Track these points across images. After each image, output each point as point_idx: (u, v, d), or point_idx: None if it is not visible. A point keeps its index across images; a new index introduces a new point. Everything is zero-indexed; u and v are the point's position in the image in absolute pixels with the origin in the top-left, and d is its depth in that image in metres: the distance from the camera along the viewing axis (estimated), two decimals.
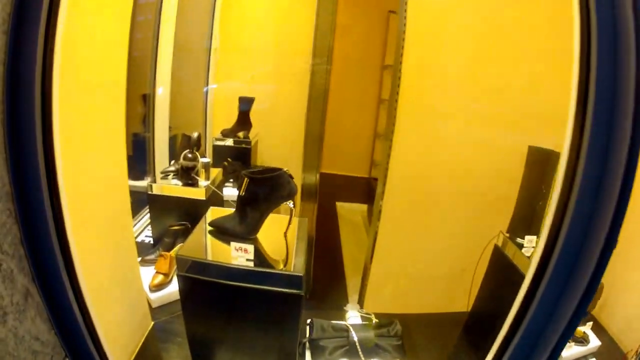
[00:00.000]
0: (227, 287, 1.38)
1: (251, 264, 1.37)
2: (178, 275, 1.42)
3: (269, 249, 1.51)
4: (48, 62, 1.00)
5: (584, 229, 0.99)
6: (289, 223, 1.57)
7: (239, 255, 1.37)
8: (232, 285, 1.38)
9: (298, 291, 1.36)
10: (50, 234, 1.07)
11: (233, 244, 1.38)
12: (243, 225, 1.48)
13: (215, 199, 2.44)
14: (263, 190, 1.44)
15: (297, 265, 1.42)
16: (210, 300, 1.47)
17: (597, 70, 0.94)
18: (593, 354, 1.97)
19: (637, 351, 1.92)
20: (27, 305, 1.07)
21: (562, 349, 1.09)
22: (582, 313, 1.03)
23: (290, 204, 1.51)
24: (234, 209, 1.54)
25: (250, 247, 1.37)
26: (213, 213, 1.73)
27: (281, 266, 1.42)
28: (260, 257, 1.43)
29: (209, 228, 1.59)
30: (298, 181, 2.58)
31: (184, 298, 1.47)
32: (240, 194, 1.43)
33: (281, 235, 1.59)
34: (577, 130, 1.00)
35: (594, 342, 1.98)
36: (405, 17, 2.06)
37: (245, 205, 1.47)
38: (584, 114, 0.97)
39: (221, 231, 1.54)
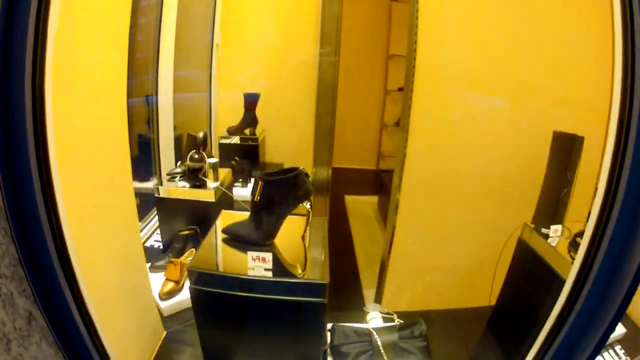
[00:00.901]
0: (244, 298, 1.31)
1: (269, 273, 1.29)
2: (191, 288, 1.34)
3: (286, 254, 1.43)
4: (39, 64, 0.92)
5: (628, 229, 0.94)
6: (307, 225, 1.48)
7: (256, 265, 1.29)
8: (250, 297, 1.29)
9: (321, 300, 1.28)
10: (49, 252, 0.99)
11: (250, 253, 1.30)
12: (259, 231, 1.40)
13: (225, 200, 2.37)
14: (279, 193, 1.35)
15: (317, 270, 1.35)
16: (226, 312, 1.40)
17: None
18: (618, 341, 1.93)
19: None
20: (31, 329, 1.01)
21: (601, 349, 1.05)
22: (622, 314, 0.98)
23: (307, 204, 1.42)
24: (249, 214, 1.45)
25: (269, 256, 1.28)
26: (224, 217, 1.66)
27: (299, 271, 1.34)
28: (278, 264, 1.35)
29: (222, 236, 1.51)
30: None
31: (198, 311, 1.40)
32: (255, 199, 1.35)
33: (299, 239, 1.51)
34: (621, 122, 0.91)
35: (619, 329, 1.93)
36: (417, 1, 1.98)
37: (260, 210, 1.39)
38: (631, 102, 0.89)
39: (236, 238, 1.46)
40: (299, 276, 1.33)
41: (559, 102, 2.07)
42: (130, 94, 2.35)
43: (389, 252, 2.30)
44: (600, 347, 1.02)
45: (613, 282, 0.98)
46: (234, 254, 1.45)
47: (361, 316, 1.97)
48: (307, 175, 1.39)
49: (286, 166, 2.97)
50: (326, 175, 2.54)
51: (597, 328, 1.02)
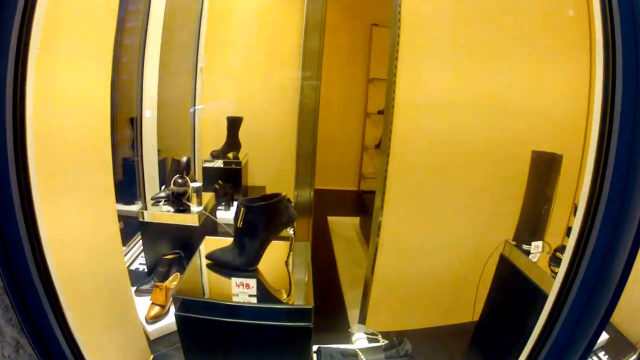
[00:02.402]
0: (230, 324, 1.32)
1: (254, 299, 1.31)
2: (176, 315, 1.34)
3: (271, 279, 1.44)
4: (20, 85, 0.93)
5: (610, 242, 0.97)
6: (290, 250, 1.51)
7: (240, 291, 1.31)
8: (236, 322, 1.31)
9: (307, 324, 1.29)
10: (33, 279, 1.00)
11: (234, 279, 1.31)
12: (243, 257, 1.41)
13: (209, 224, 2.38)
14: (261, 219, 1.37)
15: (302, 295, 1.36)
16: (212, 338, 1.40)
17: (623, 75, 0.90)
18: (602, 347, 1.95)
19: None
20: (19, 357, 1.01)
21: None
22: (605, 324, 1.01)
23: (290, 230, 1.45)
24: (232, 240, 1.47)
25: (253, 282, 1.30)
26: (208, 243, 1.67)
27: (284, 296, 1.36)
28: (263, 289, 1.37)
29: (206, 261, 1.52)
30: (291, 199, 2.55)
31: (184, 337, 1.39)
32: (238, 225, 1.37)
33: (282, 264, 1.53)
34: (602, 139, 0.95)
35: (602, 336, 1.95)
36: (399, 27, 2.03)
37: (243, 236, 1.40)
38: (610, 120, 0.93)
39: (220, 264, 1.47)
40: (284, 301, 1.34)
41: (537, 122, 2.13)
42: (114, 116, 2.37)
43: (372, 273, 2.32)
44: (584, 358, 1.05)
45: (595, 295, 1.00)
46: (219, 278, 1.45)
47: (346, 337, 1.98)
48: (289, 201, 1.41)
49: (269, 189, 3.00)
50: (308, 197, 2.56)
51: (581, 339, 1.05)
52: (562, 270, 1.06)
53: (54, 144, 1.20)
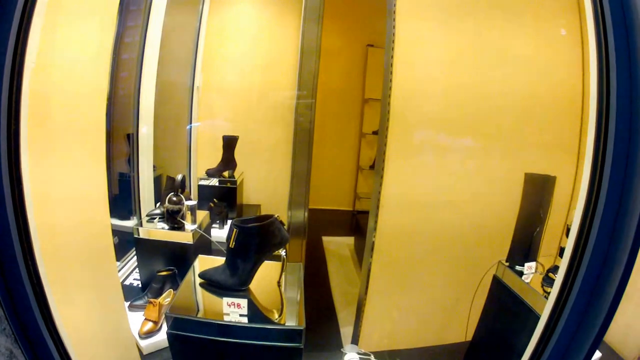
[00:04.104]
0: (221, 343, 1.33)
1: (245, 319, 1.32)
2: (168, 333, 1.35)
3: (262, 299, 1.45)
4: (15, 101, 0.96)
5: (602, 263, 0.98)
6: (282, 271, 1.52)
7: (231, 310, 1.32)
8: (227, 341, 1.32)
9: (297, 345, 1.30)
10: (27, 290, 1.02)
11: (225, 299, 1.33)
12: (235, 277, 1.43)
13: (203, 241, 2.39)
14: (254, 241, 1.39)
15: (293, 315, 1.37)
16: (203, 356, 1.40)
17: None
18: None
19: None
20: None
21: None
22: (597, 345, 1.02)
23: (282, 252, 1.46)
24: (224, 260, 1.48)
25: (244, 302, 1.31)
26: (201, 262, 1.68)
27: (276, 316, 1.37)
28: (254, 309, 1.38)
29: (199, 280, 1.53)
30: (284, 219, 2.56)
31: (175, 354, 1.40)
32: (230, 245, 1.38)
33: (275, 284, 1.54)
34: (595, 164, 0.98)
35: (595, 355, 1.94)
36: (392, 49, 2.06)
37: (235, 256, 1.42)
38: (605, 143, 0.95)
39: (212, 283, 1.49)
40: (275, 321, 1.35)
41: (530, 144, 2.15)
42: (111, 132, 2.39)
43: (366, 292, 2.32)
44: None
45: (588, 315, 1.01)
46: (212, 297, 1.46)
47: (339, 357, 1.99)
48: (281, 222, 1.42)
49: (264, 208, 3.01)
50: (302, 217, 2.57)
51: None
52: (554, 291, 1.07)
53: (47, 159, 1.22)
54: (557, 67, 2.17)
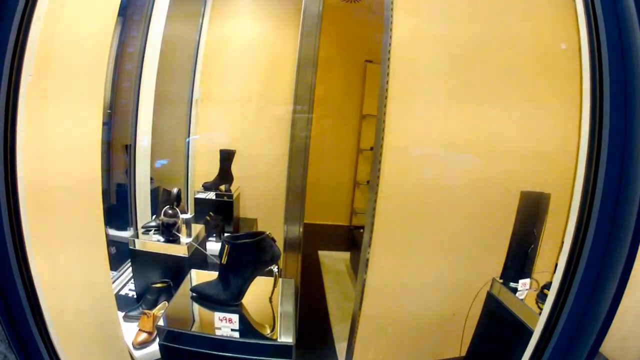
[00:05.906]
0: (211, 356, 1.33)
1: (236, 334, 1.32)
2: (160, 345, 1.36)
3: (255, 314, 1.46)
4: (11, 114, 0.97)
5: (597, 277, 0.98)
6: (274, 287, 1.53)
7: (223, 325, 1.32)
8: (217, 355, 1.32)
9: None
10: (21, 298, 1.02)
11: (217, 314, 1.33)
12: (227, 292, 1.44)
13: (198, 255, 2.39)
14: (246, 257, 1.40)
15: (285, 332, 1.38)
16: None
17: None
18: None
19: None
20: None
21: None
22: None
23: (274, 268, 1.47)
24: (217, 274, 1.49)
25: (235, 317, 1.32)
26: (195, 276, 1.68)
27: (268, 331, 1.37)
28: (246, 324, 1.38)
29: (192, 294, 1.54)
30: (280, 234, 2.56)
31: None
32: (222, 261, 1.39)
33: (267, 300, 1.54)
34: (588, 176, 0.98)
35: None
36: (388, 66, 2.08)
37: (228, 272, 1.43)
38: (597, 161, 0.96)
39: (204, 298, 1.49)
40: (267, 336, 1.36)
41: (526, 161, 2.15)
42: (108, 142, 2.40)
43: (360, 308, 2.32)
44: None
45: (582, 330, 1.01)
46: (203, 312, 1.47)
47: None
48: (273, 239, 1.44)
49: (260, 222, 3.01)
50: (297, 232, 2.57)
51: None
52: (547, 307, 1.07)
53: (42, 169, 1.22)
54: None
